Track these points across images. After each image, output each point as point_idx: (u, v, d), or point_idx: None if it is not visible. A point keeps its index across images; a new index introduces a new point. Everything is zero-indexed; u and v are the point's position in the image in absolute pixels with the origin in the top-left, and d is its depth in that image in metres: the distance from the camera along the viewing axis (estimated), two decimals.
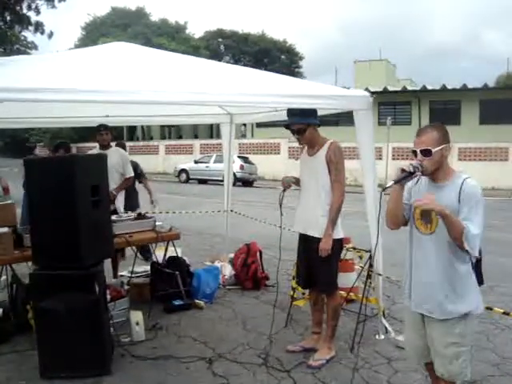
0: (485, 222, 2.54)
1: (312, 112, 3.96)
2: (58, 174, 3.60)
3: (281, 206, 4.04)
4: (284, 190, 4.08)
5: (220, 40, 49.34)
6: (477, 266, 2.69)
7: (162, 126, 37.30)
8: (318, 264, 3.88)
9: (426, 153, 2.59)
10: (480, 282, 2.72)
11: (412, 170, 2.60)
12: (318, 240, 3.84)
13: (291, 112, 4.00)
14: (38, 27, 24.59)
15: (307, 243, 3.98)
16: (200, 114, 6.33)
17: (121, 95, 3.27)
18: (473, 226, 2.47)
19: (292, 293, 4.99)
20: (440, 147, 2.60)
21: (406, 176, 2.62)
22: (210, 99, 3.65)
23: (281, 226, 4.17)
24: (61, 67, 3.89)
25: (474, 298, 2.67)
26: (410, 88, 28.37)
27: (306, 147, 4.10)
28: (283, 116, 4.31)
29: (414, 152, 2.65)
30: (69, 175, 3.57)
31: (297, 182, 4.15)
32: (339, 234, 3.94)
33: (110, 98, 3.29)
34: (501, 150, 22.32)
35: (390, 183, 2.65)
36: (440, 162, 2.63)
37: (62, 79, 3.33)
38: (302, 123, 3.92)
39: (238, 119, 6.74)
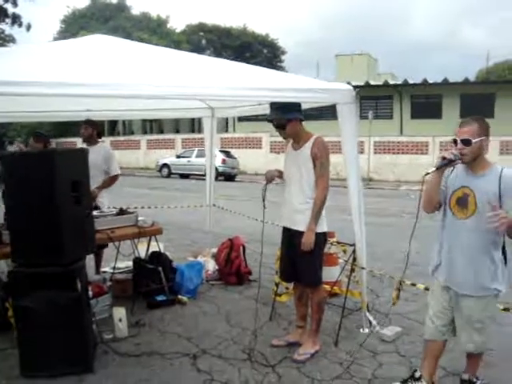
0: None
1: (293, 106, 3.89)
2: (38, 169, 3.51)
3: (263, 199, 4.02)
4: (267, 184, 4.06)
5: (201, 34, 49.00)
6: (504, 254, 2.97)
7: (144, 121, 36.98)
8: (302, 258, 3.86)
9: (466, 142, 2.79)
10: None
11: (453, 158, 2.81)
12: (302, 234, 3.82)
13: (272, 106, 3.96)
14: (16, 20, 24.14)
15: (291, 237, 3.96)
16: (182, 108, 6.26)
17: (106, 88, 3.18)
18: None
19: (275, 288, 4.97)
20: (479, 138, 2.79)
21: (446, 163, 2.84)
22: (192, 92, 3.58)
23: (263, 220, 4.14)
24: (40, 60, 3.78)
25: (503, 282, 2.96)
26: (391, 82, 28.54)
27: (292, 141, 4.06)
28: (266, 110, 4.27)
29: (455, 141, 2.83)
30: (49, 170, 3.48)
31: (280, 175, 4.11)
32: (323, 227, 3.91)
33: (95, 91, 3.19)
34: None
35: (432, 169, 2.85)
36: (478, 153, 2.83)
37: (43, 72, 3.22)
38: (282, 118, 3.89)
39: (219, 113, 6.69)
